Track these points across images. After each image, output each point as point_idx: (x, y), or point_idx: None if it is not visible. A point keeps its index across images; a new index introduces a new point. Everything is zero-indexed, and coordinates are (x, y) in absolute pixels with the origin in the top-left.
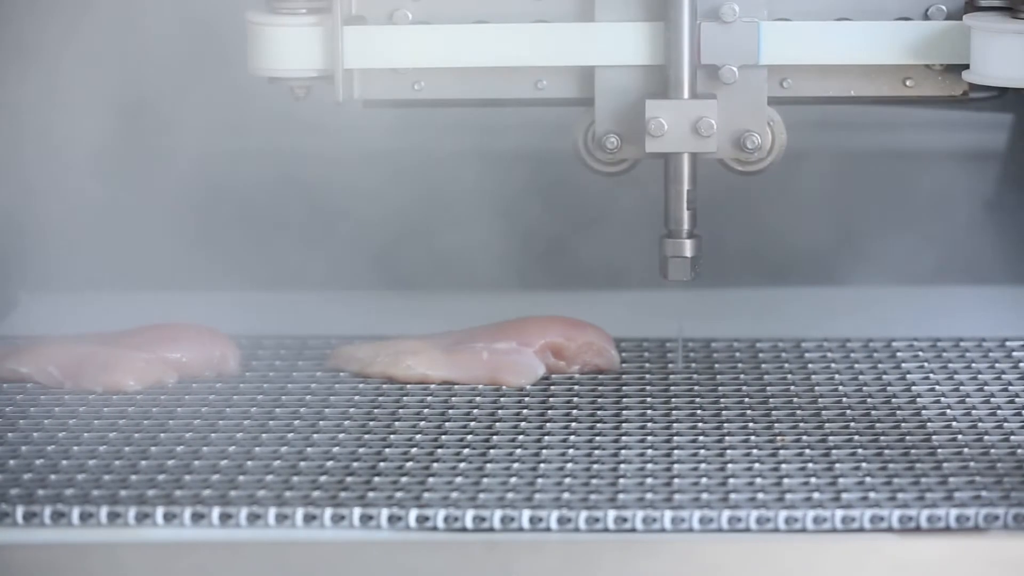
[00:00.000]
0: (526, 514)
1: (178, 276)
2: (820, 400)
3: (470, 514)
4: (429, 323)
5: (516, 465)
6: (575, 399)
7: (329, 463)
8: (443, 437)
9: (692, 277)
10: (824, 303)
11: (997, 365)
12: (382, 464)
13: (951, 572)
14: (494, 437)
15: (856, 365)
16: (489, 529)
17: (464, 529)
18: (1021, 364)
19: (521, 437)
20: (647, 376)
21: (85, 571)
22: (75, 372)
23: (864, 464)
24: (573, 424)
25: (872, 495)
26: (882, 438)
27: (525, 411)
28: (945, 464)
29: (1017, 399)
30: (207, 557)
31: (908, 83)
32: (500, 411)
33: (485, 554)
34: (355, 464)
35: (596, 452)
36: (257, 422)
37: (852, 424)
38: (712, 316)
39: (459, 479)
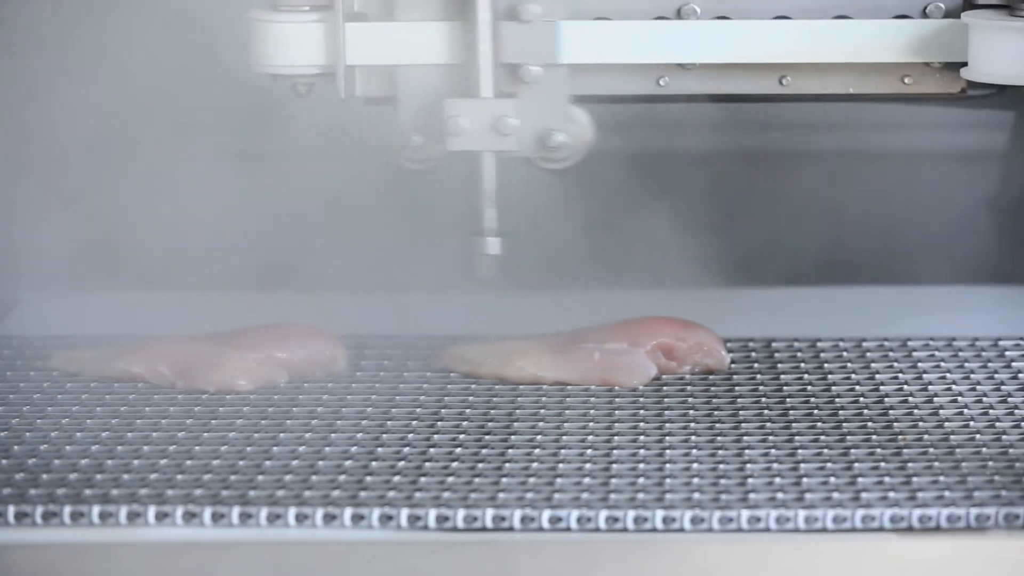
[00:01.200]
0: (659, 515)
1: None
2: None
3: (603, 515)
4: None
5: (641, 466)
6: (690, 399)
7: (454, 464)
8: (564, 438)
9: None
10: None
11: (990, 364)
12: (507, 465)
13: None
14: (615, 438)
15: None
16: (623, 530)
17: (597, 530)
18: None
19: (643, 438)
20: (758, 376)
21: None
22: (187, 371)
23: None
24: (692, 424)
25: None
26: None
27: (642, 411)
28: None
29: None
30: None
31: (907, 81)
32: (617, 411)
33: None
34: (480, 465)
35: (720, 452)
36: (375, 422)
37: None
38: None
39: (587, 480)
